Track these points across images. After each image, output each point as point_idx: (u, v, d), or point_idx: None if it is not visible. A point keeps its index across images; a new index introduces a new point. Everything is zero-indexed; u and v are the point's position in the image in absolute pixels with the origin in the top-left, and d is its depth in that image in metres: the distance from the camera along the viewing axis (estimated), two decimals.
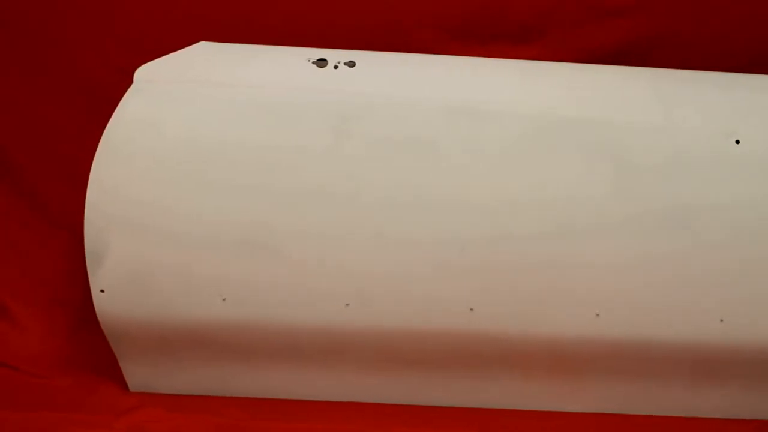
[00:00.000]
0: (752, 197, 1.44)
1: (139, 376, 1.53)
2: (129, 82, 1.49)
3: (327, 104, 1.47)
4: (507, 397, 1.53)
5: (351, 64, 1.51)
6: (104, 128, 1.44)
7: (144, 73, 1.50)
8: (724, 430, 1.49)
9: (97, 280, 1.43)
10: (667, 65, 1.60)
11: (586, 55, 1.61)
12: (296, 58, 1.52)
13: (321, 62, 1.51)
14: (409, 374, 1.51)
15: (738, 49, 1.61)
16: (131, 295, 1.44)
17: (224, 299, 1.44)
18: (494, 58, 1.60)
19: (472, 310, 1.44)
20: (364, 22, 1.62)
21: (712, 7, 1.59)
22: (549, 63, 1.59)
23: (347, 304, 1.44)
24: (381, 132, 1.46)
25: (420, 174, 1.44)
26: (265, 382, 1.53)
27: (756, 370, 1.49)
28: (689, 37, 1.61)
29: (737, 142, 1.46)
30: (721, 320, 1.44)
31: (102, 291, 1.43)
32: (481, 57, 1.60)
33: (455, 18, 1.61)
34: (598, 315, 1.44)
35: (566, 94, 1.51)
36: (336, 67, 1.51)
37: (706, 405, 1.52)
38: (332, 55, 1.52)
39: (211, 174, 1.43)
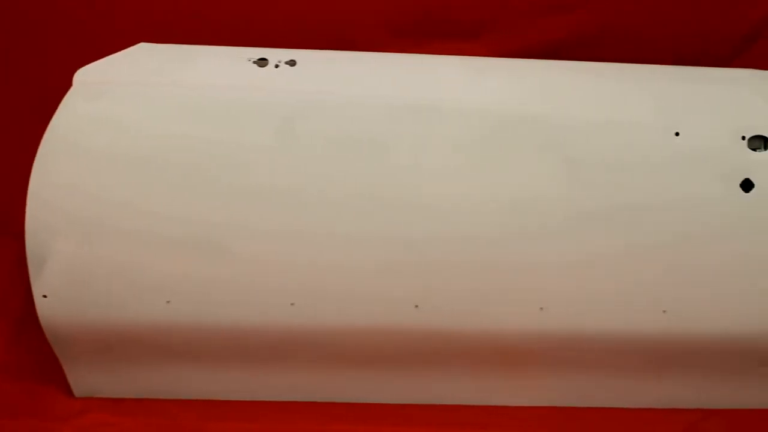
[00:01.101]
0: (692, 190, 1.45)
1: (83, 380, 1.51)
2: (68, 84, 1.47)
3: (269, 104, 1.46)
4: (454, 393, 1.53)
5: (292, 63, 1.51)
6: (45, 131, 1.42)
7: (84, 75, 1.48)
8: (668, 420, 1.50)
9: (39, 285, 1.41)
10: (612, 59, 1.61)
11: (531, 51, 1.62)
12: (236, 58, 1.51)
13: (261, 62, 1.50)
14: (356, 372, 1.51)
15: (682, 42, 1.63)
16: (74, 300, 1.42)
17: (169, 301, 1.43)
18: (439, 55, 1.59)
19: (417, 306, 1.45)
20: (305, 21, 1.62)
21: (655, 2, 1.60)
22: (495, 59, 1.60)
23: (292, 304, 1.44)
24: (325, 131, 1.45)
25: (365, 173, 1.44)
26: (212, 383, 1.52)
27: (699, 360, 1.50)
28: (633, 31, 1.62)
29: (677, 134, 1.47)
30: (664, 311, 1.46)
31: (44, 296, 1.42)
32: (426, 54, 1.59)
33: (399, 15, 1.61)
34: (542, 309, 1.45)
35: (513, 91, 1.51)
36: (277, 66, 1.50)
37: (651, 396, 1.54)
38: (273, 54, 1.51)
39: (154, 175, 1.42)
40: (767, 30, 1.59)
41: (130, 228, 1.41)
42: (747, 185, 1.45)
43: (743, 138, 1.47)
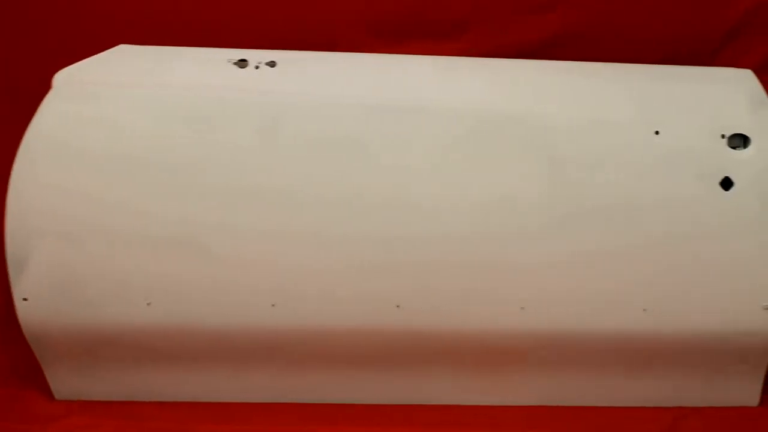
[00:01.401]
0: (673, 189, 1.46)
1: (64, 383, 1.51)
2: (48, 86, 1.46)
3: (250, 105, 1.46)
4: (436, 393, 1.53)
5: (272, 64, 1.50)
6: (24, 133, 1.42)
7: (63, 77, 1.48)
8: (649, 419, 1.51)
9: (19, 288, 1.42)
10: (591, 59, 1.61)
11: (511, 50, 1.62)
12: (216, 59, 1.51)
13: (242, 63, 1.50)
14: (338, 373, 1.51)
15: (662, 41, 1.63)
16: (55, 303, 1.43)
17: (149, 303, 1.43)
18: (420, 55, 1.59)
19: (398, 307, 1.45)
20: (284, 22, 1.61)
21: (631, 1, 1.60)
22: (474, 59, 1.60)
23: (273, 305, 1.44)
24: (306, 132, 1.45)
25: (346, 173, 1.44)
26: (194, 385, 1.52)
27: (678, 358, 1.51)
28: (612, 30, 1.62)
29: (657, 132, 1.47)
30: (644, 310, 1.46)
31: (25, 299, 1.42)
32: (407, 54, 1.59)
33: (378, 15, 1.61)
34: (523, 309, 1.46)
35: (493, 90, 1.51)
36: (257, 67, 1.50)
37: (632, 394, 1.54)
38: (253, 55, 1.51)
39: (135, 177, 1.42)
40: (747, 28, 1.60)
41: (110, 230, 1.41)
42: (726, 183, 1.45)
43: (723, 136, 1.47)
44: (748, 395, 1.55)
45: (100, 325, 1.44)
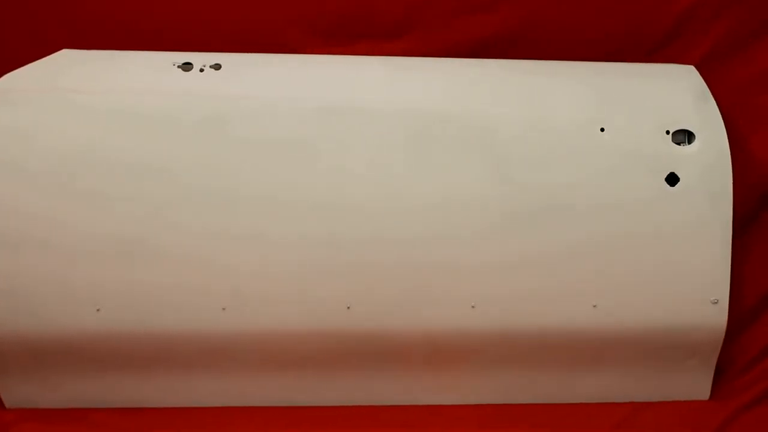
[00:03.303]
0: (619, 186, 1.46)
1: (15, 391, 1.50)
2: None
3: (195, 108, 1.45)
4: (388, 394, 1.53)
5: (216, 66, 1.50)
6: None
7: (7, 83, 1.47)
8: (601, 414, 1.51)
9: None
10: (536, 57, 1.62)
11: (456, 50, 1.61)
12: (161, 63, 1.50)
13: (186, 66, 1.49)
14: (290, 375, 1.51)
15: (604, 38, 1.64)
16: (4, 310, 1.42)
17: (99, 309, 1.43)
18: (363, 56, 1.59)
19: (348, 308, 1.45)
20: (231, 24, 1.60)
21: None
22: (420, 59, 1.60)
23: (224, 308, 1.44)
24: (251, 134, 1.45)
25: (294, 174, 1.44)
26: (145, 391, 1.51)
27: (630, 353, 1.52)
28: (555, 28, 1.62)
29: (602, 130, 1.48)
30: (594, 306, 1.47)
31: None
32: (350, 55, 1.59)
33: (322, 17, 1.60)
34: (473, 307, 1.46)
35: (439, 91, 1.51)
36: (202, 70, 1.49)
37: (584, 390, 1.55)
38: (197, 58, 1.51)
39: (82, 183, 1.41)
40: (688, 24, 1.61)
41: (55, 237, 1.41)
42: (672, 179, 1.46)
43: (667, 132, 1.48)
44: (699, 389, 1.56)
45: (50, 333, 1.43)
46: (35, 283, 1.41)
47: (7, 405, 1.51)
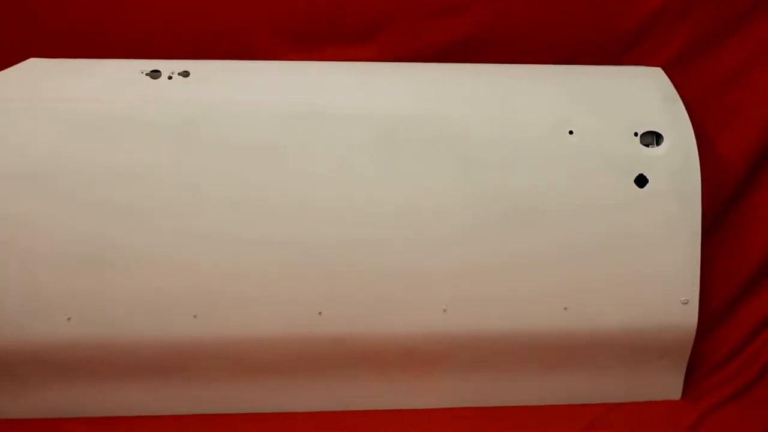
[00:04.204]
0: (588, 188, 1.47)
1: None
2: None
3: (163, 115, 1.45)
4: (361, 398, 1.54)
5: (185, 74, 1.50)
6: None
7: None
8: (573, 416, 1.52)
9: None
10: (503, 60, 1.63)
11: (423, 53, 1.62)
12: (129, 71, 1.50)
13: (154, 74, 1.49)
14: (263, 382, 1.51)
15: (571, 40, 1.64)
16: None
17: (69, 318, 1.42)
18: (331, 61, 1.59)
19: (320, 313, 1.45)
20: (197, 31, 1.60)
21: (542, 3, 1.61)
22: (387, 64, 1.61)
23: (195, 316, 1.44)
24: (221, 139, 1.45)
25: (264, 181, 1.44)
26: (117, 399, 1.51)
27: (601, 355, 1.52)
28: (522, 31, 1.63)
29: (570, 132, 1.48)
30: (565, 308, 1.48)
31: None
32: (319, 61, 1.59)
33: (289, 23, 1.60)
34: (445, 310, 1.46)
35: (406, 95, 1.52)
36: (170, 77, 1.49)
37: (556, 392, 1.56)
38: (165, 65, 1.50)
39: (50, 191, 1.41)
40: (654, 26, 1.61)
41: (24, 245, 1.40)
42: (641, 181, 1.47)
43: (636, 134, 1.49)
44: (670, 389, 1.57)
45: (20, 343, 1.43)
46: (3, 291, 1.41)
47: None
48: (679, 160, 1.48)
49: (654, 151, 1.48)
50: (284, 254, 1.44)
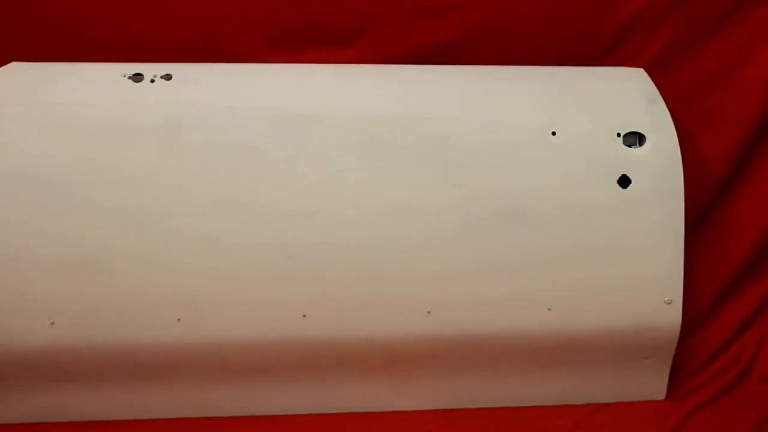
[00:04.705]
0: (571, 189, 1.47)
1: None
2: None
3: (147, 118, 1.45)
4: (347, 401, 1.54)
5: (167, 77, 1.49)
6: None
7: None
8: (559, 416, 1.52)
9: None
10: (486, 62, 1.63)
11: (406, 55, 1.62)
12: (111, 74, 1.50)
13: (137, 77, 1.49)
14: (248, 385, 1.51)
15: (553, 42, 1.65)
16: None
17: (52, 322, 1.42)
18: (314, 64, 1.59)
19: (304, 316, 1.45)
20: (179, 34, 1.59)
21: (524, 4, 1.62)
22: (372, 66, 1.61)
23: (179, 319, 1.44)
24: (205, 142, 1.44)
25: (247, 183, 1.44)
26: (102, 404, 1.50)
27: (585, 355, 1.53)
28: (504, 32, 1.63)
29: (553, 133, 1.49)
30: (549, 309, 1.48)
31: None
32: (302, 63, 1.59)
33: (272, 26, 1.60)
34: (429, 312, 1.46)
35: (391, 97, 1.52)
36: (152, 81, 1.49)
37: (541, 393, 1.56)
38: (148, 69, 1.50)
39: (31, 194, 1.41)
40: (637, 27, 1.62)
41: (6, 249, 1.40)
42: (624, 181, 1.47)
43: (618, 135, 1.49)
44: (655, 389, 1.58)
45: (3, 347, 1.42)
46: None
47: None
48: (662, 160, 1.48)
49: (637, 151, 1.48)
50: (268, 257, 1.43)
